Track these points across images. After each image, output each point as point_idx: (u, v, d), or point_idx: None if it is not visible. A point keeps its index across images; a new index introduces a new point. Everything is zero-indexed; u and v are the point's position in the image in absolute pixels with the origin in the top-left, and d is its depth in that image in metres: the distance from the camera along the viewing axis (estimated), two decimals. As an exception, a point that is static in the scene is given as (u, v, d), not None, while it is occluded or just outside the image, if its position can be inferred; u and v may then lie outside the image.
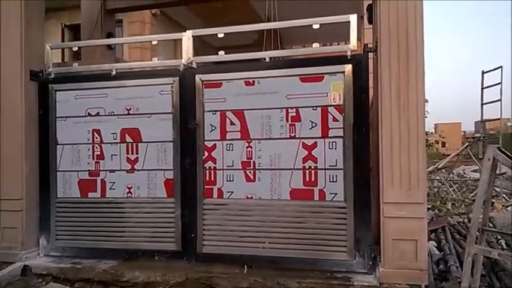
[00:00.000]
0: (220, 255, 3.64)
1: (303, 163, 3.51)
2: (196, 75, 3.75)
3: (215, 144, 3.72)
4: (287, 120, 3.56)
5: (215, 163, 3.71)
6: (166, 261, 3.70)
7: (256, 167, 3.63)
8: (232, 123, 3.68)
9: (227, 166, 3.69)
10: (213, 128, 3.72)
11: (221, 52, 3.85)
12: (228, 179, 3.69)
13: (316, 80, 3.49)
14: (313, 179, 3.49)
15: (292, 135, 3.55)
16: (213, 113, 3.72)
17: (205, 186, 3.72)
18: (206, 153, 3.73)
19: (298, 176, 3.52)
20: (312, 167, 3.49)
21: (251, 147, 3.64)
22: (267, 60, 3.67)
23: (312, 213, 3.49)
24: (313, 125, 3.50)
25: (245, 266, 3.52)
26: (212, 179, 3.72)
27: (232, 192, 3.68)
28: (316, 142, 3.49)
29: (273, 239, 3.54)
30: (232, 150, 3.68)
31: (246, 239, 3.59)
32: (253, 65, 3.74)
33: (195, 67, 3.81)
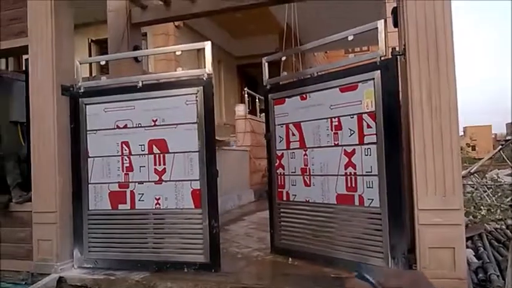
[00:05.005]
0: (291, 249, 4.06)
1: (345, 169, 3.63)
2: (269, 95, 4.32)
3: (283, 153, 4.22)
4: (331, 129, 3.75)
5: (284, 169, 4.20)
6: (196, 273, 3.67)
7: (311, 173, 3.93)
8: (293, 134, 4.11)
9: (291, 172, 4.13)
10: (281, 139, 4.22)
11: (284, 73, 4.58)
12: (293, 184, 4.12)
13: (352, 89, 3.59)
14: (353, 185, 3.57)
15: (336, 143, 3.72)
16: (280, 126, 4.22)
17: (278, 190, 4.25)
18: (277, 161, 4.27)
19: (342, 182, 3.66)
20: (352, 173, 3.58)
21: (307, 155, 3.99)
22: (315, 75, 3.90)
23: (353, 218, 3.58)
24: (352, 132, 3.59)
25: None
26: (282, 183, 4.22)
27: (295, 195, 4.09)
28: (354, 149, 3.58)
29: (326, 238, 3.76)
30: (294, 158, 4.10)
31: (306, 237, 3.92)
32: (305, 81, 4.03)
33: (268, 88, 4.35)
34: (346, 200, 3.63)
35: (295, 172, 4.08)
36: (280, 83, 4.41)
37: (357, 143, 3.55)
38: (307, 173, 3.96)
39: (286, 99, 4.15)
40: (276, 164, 4.27)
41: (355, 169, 3.57)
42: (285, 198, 4.19)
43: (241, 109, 10.36)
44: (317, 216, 3.86)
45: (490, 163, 10.25)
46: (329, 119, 3.76)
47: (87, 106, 4.12)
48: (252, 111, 11.89)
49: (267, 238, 4.99)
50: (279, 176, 4.25)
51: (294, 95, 4.07)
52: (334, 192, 3.72)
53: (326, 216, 3.78)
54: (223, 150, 8.07)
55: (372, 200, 3.43)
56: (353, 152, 3.58)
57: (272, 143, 4.30)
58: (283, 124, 4.19)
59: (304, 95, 3.98)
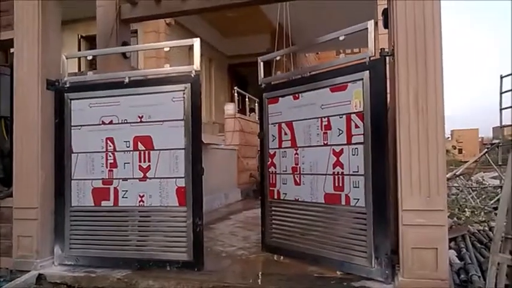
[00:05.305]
0: (281, 247, 4.10)
1: (333, 169, 3.65)
2: (264, 94, 4.37)
3: (275, 152, 4.26)
4: (321, 129, 3.78)
5: (275, 168, 4.24)
6: (178, 271, 3.64)
7: (301, 172, 3.96)
8: (285, 133, 4.15)
9: (283, 171, 4.17)
10: (274, 138, 4.27)
11: (278, 72, 4.65)
12: (283, 182, 4.16)
13: (342, 89, 3.61)
14: (340, 184, 3.59)
15: (325, 142, 3.74)
16: (273, 125, 4.27)
17: (270, 188, 4.29)
18: (270, 160, 4.31)
19: (330, 181, 3.67)
20: (340, 173, 3.60)
21: (297, 154, 4.02)
22: (308, 75, 3.96)
23: (340, 217, 3.59)
24: (340, 132, 3.61)
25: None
26: (273, 181, 4.27)
27: (286, 193, 4.13)
28: (342, 149, 3.60)
29: (313, 237, 3.78)
30: (286, 157, 4.14)
31: (295, 236, 3.95)
32: (298, 81, 4.08)
33: (263, 87, 4.40)
34: (333, 199, 3.64)
35: (286, 171, 4.12)
36: (274, 82, 4.44)
37: (345, 142, 3.57)
38: (298, 172, 3.99)
39: (280, 98, 4.19)
40: (268, 163, 4.31)
41: (342, 169, 3.58)
42: (276, 197, 4.23)
43: (230, 108, 10.34)
44: (306, 215, 3.88)
45: (476, 166, 10.37)
46: (319, 119, 3.78)
47: (72, 101, 4.06)
48: (242, 110, 11.87)
49: (252, 237, 5.01)
50: (271, 175, 4.29)
51: (287, 94, 4.10)
52: (323, 191, 3.74)
53: (314, 215, 3.81)
54: (211, 149, 8.03)
55: (358, 199, 3.44)
56: (341, 151, 3.60)
57: (265, 141, 4.35)
58: (276, 123, 4.23)
59: (296, 95, 4.01)
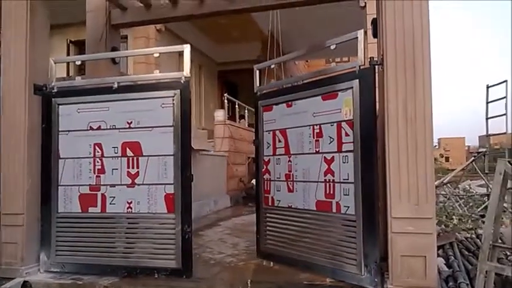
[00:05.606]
0: (275, 253, 4.10)
1: (324, 176, 3.67)
2: (259, 102, 4.38)
3: (269, 159, 4.27)
4: (313, 137, 3.79)
5: (270, 175, 4.25)
6: (167, 279, 3.59)
7: (294, 179, 3.97)
8: (279, 141, 4.17)
9: (276, 178, 4.18)
10: (268, 145, 4.28)
11: (272, 80, 4.62)
12: (277, 189, 4.16)
13: (333, 97, 3.63)
14: (331, 192, 3.60)
15: (317, 150, 3.76)
16: (268, 133, 4.29)
17: (264, 195, 4.29)
18: (264, 167, 4.32)
19: (321, 189, 3.69)
20: (331, 180, 3.62)
21: (291, 162, 4.03)
22: (301, 83, 4.03)
23: (331, 224, 3.59)
24: (331, 140, 3.63)
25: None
26: (268, 188, 4.27)
27: (280, 200, 4.14)
28: (333, 156, 3.62)
29: (305, 244, 3.78)
30: (279, 164, 4.15)
31: (288, 242, 3.95)
32: (291, 89, 4.12)
33: (258, 95, 4.42)
34: (324, 206, 3.65)
35: (280, 178, 4.14)
36: (268, 90, 4.45)
37: (336, 150, 3.59)
38: (291, 179, 4.01)
39: (274, 106, 4.22)
40: (263, 170, 4.33)
41: (333, 176, 3.60)
42: (270, 203, 4.24)
43: (220, 114, 10.33)
44: (298, 222, 3.89)
45: (463, 174, 10.47)
46: (311, 127, 3.80)
47: (60, 106, 4.01)
48: (232, 117, 11.87)
49: (241, 244, 4.98)
50: (265, 182, 4.30)
51: (281, 102, 4.13)
52: (314, 198, 3.75)
53: (306, 222, 3.81)
54: (200, 155, 8.00)
55: (348, 207, 3.45)
56: (332, 159, 3.62)
57: (260, 149, 4.36)
58: (270, 130, 4.26)
59: (290, 103, 4.03)
